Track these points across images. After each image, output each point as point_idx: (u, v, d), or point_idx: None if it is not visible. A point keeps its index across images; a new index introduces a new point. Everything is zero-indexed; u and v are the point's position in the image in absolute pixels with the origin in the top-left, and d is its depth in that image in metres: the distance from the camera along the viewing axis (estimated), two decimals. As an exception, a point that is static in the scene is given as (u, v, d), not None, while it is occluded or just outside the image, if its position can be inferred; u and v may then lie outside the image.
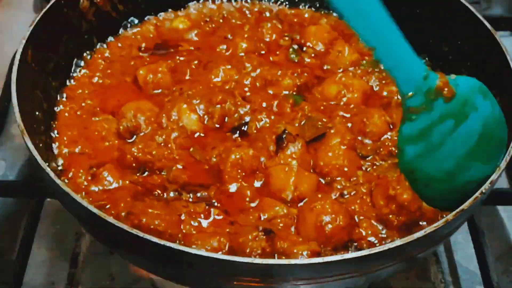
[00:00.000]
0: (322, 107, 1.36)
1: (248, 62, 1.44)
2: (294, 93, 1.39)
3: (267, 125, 1.30)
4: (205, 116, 1.32)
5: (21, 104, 1.17)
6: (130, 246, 1.04)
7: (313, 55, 1.50)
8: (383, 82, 1.43)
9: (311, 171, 1.25)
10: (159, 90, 1.39)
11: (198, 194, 1.20)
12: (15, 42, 1.72)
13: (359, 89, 1.38)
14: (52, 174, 1.04)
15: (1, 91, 1.61)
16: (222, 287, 1.06)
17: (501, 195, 1.42)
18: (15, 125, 1.60)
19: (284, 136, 1.25)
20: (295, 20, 1.63)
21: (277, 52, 1.52)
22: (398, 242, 0.98)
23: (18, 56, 1.24)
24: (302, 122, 1.30)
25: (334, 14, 1.61)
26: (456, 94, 1.07)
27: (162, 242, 0.95)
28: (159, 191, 1.20)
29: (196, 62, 1.47)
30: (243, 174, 1.22)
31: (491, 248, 1.33)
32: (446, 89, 1.07)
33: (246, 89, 1.38)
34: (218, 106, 1.32)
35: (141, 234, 0.96)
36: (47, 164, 1.08)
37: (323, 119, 1.32)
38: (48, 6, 1.36)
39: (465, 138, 1.08)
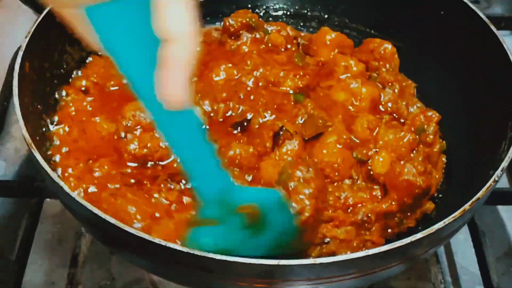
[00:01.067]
0: (325, 105, 1.36)
1: (250, 60, 1.44)
2: (296, 92, 1.38)
3: (269, 122, 1.30)
4: (211, 113, 1.32)
5: (24, 112, 1.15)
6: (130, 246, 1.04)
7: (320, 63, 1.48)
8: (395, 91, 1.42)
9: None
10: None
11: (189, 186, 1.19)
12: (15, 43, 1.72)
13: (367, 97, 1.36)
14: (54, 175, 1.04)
15: (1, 91, 1.61)
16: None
17: (501, 195, 1.42)
18: (15, 126, 1.60)
19: (281, 133, 1.25)
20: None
21: (282, 49, 1.50)
22: (400, 242, 0.97)
23: (17, 68, 1.22)
24: (303, 119, 1.30)
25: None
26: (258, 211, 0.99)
27: (163, 242, 0.94)
28: (149, 182, 1.20)
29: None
30: (239, 170, 1.22)
31: (491, 248, 1.33)
32: (250, 212, 0.99)
33: (249, 88, 1.38)
34: (222, 105, 1.32)
35: (139, 233, 0.96)
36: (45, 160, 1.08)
37: (324, 118, 1.31)
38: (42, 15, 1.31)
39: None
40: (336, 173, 1.23)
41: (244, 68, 1.41)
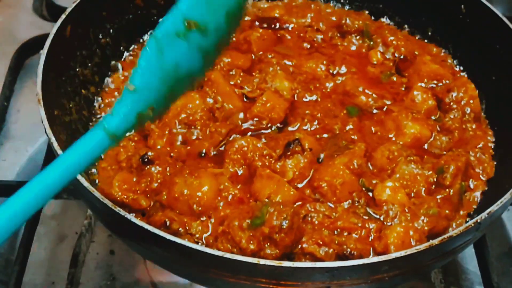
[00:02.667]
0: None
1: (345, 64, 1.46)
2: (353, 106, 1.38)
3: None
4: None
5: (47, 81, 1.16)
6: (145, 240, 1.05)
7: (403, 88, 1.44)
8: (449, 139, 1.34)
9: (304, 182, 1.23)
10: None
11: None
12: (15, 42, 1.72)
13: (410, 135, 1.31)
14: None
15: (1, 91, 1.61)
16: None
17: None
18: (15, 126, 1.60)
19: (292, 145, 1.23)
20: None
21: (374, 61, 1.49)
22: (408, 251, 0.97)
23: (54, 29, 1.23)
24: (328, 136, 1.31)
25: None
26: None
27: (176, 239, 0.97)
28: None
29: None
30: (242, 161, 1.22)
31: (491, 248, 1.32)
32: None
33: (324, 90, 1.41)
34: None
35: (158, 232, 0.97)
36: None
37: (348, 139, 1.29)
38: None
39: None
40: (333, 197, 1.19)
41: (336, 68, 1.45)
